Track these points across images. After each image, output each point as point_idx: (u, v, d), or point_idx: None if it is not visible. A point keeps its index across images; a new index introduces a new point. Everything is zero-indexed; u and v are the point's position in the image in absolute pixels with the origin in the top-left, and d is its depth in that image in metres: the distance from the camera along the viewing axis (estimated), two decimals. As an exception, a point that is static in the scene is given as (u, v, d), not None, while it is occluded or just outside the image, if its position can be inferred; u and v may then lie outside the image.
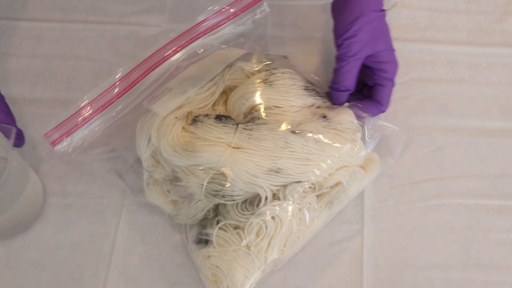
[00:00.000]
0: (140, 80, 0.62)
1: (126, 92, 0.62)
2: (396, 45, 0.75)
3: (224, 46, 0.65)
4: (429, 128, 0.69)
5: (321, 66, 0.72)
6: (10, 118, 0.61)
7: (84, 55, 0.75)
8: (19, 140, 0.62)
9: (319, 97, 0.62)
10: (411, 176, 0.66)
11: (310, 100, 0.61)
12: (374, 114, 0.64)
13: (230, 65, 0.62)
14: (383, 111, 0.64)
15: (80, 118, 0.60)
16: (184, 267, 0.62)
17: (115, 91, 0.62)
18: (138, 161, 0.62)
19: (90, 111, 0.61)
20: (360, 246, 0.62)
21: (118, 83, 0.62)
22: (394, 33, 0.75)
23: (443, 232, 0.63)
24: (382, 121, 0.63)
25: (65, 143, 0.60)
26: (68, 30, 0.76)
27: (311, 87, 0.63)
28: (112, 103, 0.61)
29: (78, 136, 0.60)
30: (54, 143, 0.59)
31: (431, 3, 0.78)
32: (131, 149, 0.61)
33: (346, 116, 0.60)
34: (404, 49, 0.74)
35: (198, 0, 0.78)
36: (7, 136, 0.55)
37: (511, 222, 0.64)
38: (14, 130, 0.55)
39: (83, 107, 0.60)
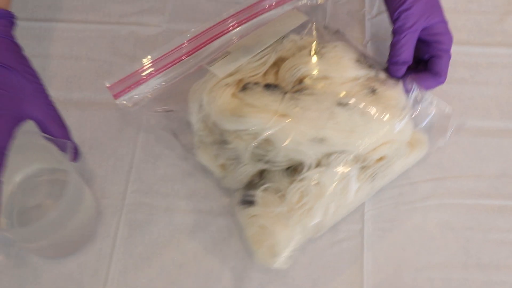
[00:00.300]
0: (204, 46, 0.66)
1: (190, 55, 0.65)
2: (396, 45, 0.75)
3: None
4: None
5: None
6: (66, 132, 0.59)
7: (84, 55, 0.75)
8: (76, 155, 0.60)
9: (372, 70, 0.63)
10: (411, 176, 0.66)
11: (362, 72, 0.62)
12: (431, 87, 0.64)
13: (283, 37, 0.63)
14: (441, 83, 0.65)
15: (143, 74, 0.64)
16: (184, 267, 0.62)
17: (182, 52, 0.65)
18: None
19: (153, 69, 0.64)
20: (360, 246, 0.62)
21: (185, 44, 0.65)
22: (394, 33, 0.76)
23: (443, 232, 0.63)
24: (437, 98, 0.64)
25: (126, 96, 0.63)
26: (68, 30, 0.76)
27: (364, 60, 0.63)
28: (175, 64, 0.65)
29: (139, 91, 0.63)
30: (116, 96, 0.62)
31: (431, 3, 0.78)
32: (187, 111, 0.63)
33: (395, 91, 0.61)
34: (404, 49, 0.74)
35: (199, 0, 0.78)
36: (63, 150, 0.54)
37: (511, 222, 0.64)
38: (70, 145, 0.54)
39: (147, 64, 0.64)
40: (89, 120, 0.69)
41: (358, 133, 0.58)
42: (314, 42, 0.63)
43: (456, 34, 0.75)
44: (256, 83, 0.60)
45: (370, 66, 0.63)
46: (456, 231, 0.63)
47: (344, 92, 0.59)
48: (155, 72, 0.64)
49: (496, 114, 0.70)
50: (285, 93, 0.59)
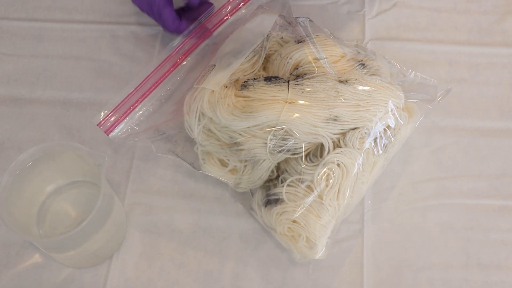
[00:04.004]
0: (181, 61, 0.67)
1: (171, 72, 0.66)
2: (396, 45, 0.75)
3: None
4: (429, 128, 0.69)
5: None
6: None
7: (84, 55, 0.75)
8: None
9: (351, 47, 0.65)
10: (411, 176, 0.66)
11: (346, 49, 0.64)
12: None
13: (267, 36, 0.64)
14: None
15: (129, 103, 0.63)
16: (184, 267, 0.62)
17: (161, 73, 0.65)
18: (190, 139, 0.63)
19: (138, 95, 0.64)
20: (360, 246, 0.62)
21: (164, 63, 0.65)
22: (394, 33, 0.76)
23: (443, 232, 0.63)
24: (420, 74, 0.66)
25: (117, 129, 0.63)
26: (68, 30, 0.76)
27: (342, 41, 0.66)
28: (154, 89, 0.65)
29: (129, 122, 0.63)
30: (107, 131, 0.62)
31: (431, 3, 0.78)
32: (181, 129, 0.63)
33: (381, 62, 0.64)
34: (404, 49, 0.74)
35: (198, 0, 0.78)
36: (99, 163, 0.55)
37: (511, 222, 0.64)
38: (105, 158, 0.55)
39: (130, 94, 0.63)
40: (89, 120, 0.69)
41: (364, 106, 0.59)
42: (298, 31, 0.65)
43: (456, 34, 0.76)
44: (255, 79, 0.60)
45: (348, 46, 0.65)
46: (456, 231, 0.63)
47: (339, 70, 0.61)
48: (141, 97, 0.64)
49: (496, 114, 0.70)
50: (288, 81, 0.59)
